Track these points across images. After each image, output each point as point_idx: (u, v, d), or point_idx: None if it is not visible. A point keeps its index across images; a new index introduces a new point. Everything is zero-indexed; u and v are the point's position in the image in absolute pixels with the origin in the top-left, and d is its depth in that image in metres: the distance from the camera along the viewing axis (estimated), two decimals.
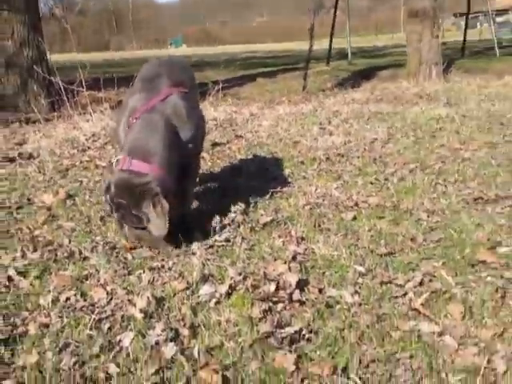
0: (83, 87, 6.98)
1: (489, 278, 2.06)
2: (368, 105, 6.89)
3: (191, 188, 2.76)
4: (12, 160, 4.29)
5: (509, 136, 4.48)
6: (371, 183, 3.35)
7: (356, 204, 2.91)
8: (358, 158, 4.04)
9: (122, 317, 1.87)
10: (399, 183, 3.33)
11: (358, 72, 12.56)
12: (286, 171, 3.70)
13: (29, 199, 3.24)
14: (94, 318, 1.85)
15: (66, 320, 1.86)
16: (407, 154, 4.09)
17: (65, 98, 8.44)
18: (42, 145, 4.81)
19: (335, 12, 15.58)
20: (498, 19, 64.67)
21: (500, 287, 1.99)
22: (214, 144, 4.69)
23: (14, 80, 10.02)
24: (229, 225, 2.64)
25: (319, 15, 13.98)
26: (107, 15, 71.35)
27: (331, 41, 15.18)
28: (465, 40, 16.08)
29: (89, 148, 4.72)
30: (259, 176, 3.60)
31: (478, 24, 51.27)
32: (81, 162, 4.20)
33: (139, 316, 1.86)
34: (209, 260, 2.28)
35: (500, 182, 3.28)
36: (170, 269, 2.24)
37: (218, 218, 2.62)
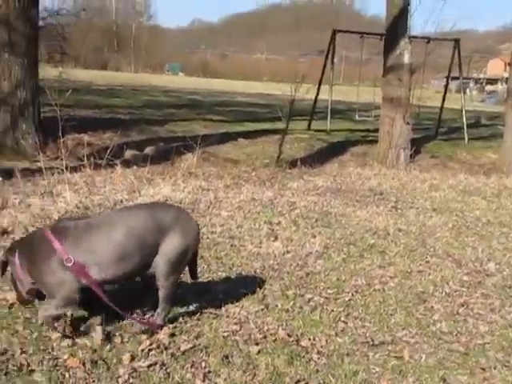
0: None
1: None
2: (324, 198, 7.58)
3: None
4: None
5: (424, 265, 5.17)
6: (287, 310, 3.98)
7: (265, 336, 3.54)
8: (288, 274, 4.69)
9: None
10: (310, 314, 3.96)
11: (333, 145, 13.32)
12: (222, 286, 4.31)
13: None
14: None
15: None
16: (331, 275, 4.73)
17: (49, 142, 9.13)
18: (18, 219, 5.40)
19: (326, 58, 16.06)
20: (488, 87, 66.54)
21: None
22: None
23: (5, 118, 10.69)
24: (157, 347, 3.27)
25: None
26: (109, 34, 72.57)
27: (317, 95, 15.66)
28: (440, 117, 16.95)
29: None
30: (194, 288, 4.20)
31: (468, 90, 53.03)
32: None
33: None
34: None
35: (393, 322, 3.94)
36: None
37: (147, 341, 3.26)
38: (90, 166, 7.77)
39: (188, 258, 3.49)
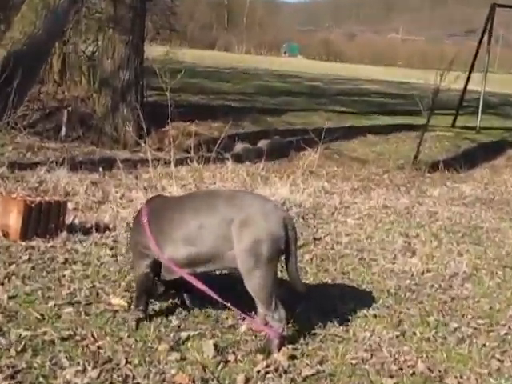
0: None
1: None
2: (473, 209, 7.42)
3: None
4: (88, 232, 5.20)
5: None
6: (428, 340, 3.95)
7: (401, 368, 3.53)
8: (428, 296, 4.65)
9: None
10: (456, 347, 3.90)
11: (484, 146, 12.96)
12: (349, 305, 4.35)
13: (97, 294, 4.09)
14: None
15: None
16: (482, 303, 4.63)
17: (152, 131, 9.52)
18: (120, 215, 5.73)
19: (480, 40, 15.38)
20: None
21: None
22: None
23: (105, 102, 11.26)
24: (275, 370, 3.36)
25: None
26: (219, 9, 74.30)
27: (466, 84, 15.12)
28: None
29: None
30: (318, 306, 4.26)
31: None
32: None
33: None
34: None
35: None
36: None
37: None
38: (197, 160, 8.07)
39: (274, 253, 3.55)
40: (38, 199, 4.88)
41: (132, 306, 3.86)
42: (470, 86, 15.66)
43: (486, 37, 15.41)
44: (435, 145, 12.70)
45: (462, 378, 3.53)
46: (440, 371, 3.58)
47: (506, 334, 4.17)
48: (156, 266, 3.75)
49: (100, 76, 11.19)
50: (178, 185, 6.83)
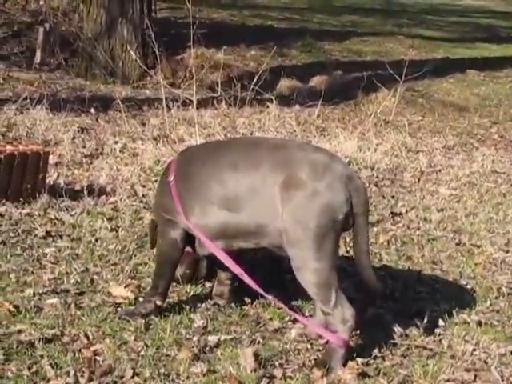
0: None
1: None
2: None
3: None
4: (77, 196, 5.21)
5: None
6: None
7: None
8: None
9: None
10: None
11: None
12: (442, 307, 4.35)
13: (92, 280, 4.14)
14: None
15: None
16: None
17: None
18: (121, 174, 5.73)
19: None
20: None
21: None
22: None
23: (98, 16, 11.27)
24: None
25: None
26: None
27: None
28: None
29: None
30: (398, 306, 4.28)
31: None
32: None
33: None
34: None
35: None
36: None
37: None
38: (227, 101, 8.06)
39: (333, 226, 3.53)
40: (9, 148, 4.90)
41: (146, 294, 3.93)
42: None
43: None
44: None
45: None
46: None
47: None
48: (188, 237, 3.82)
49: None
50: (201, 134, 6.81)
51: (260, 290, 3.63)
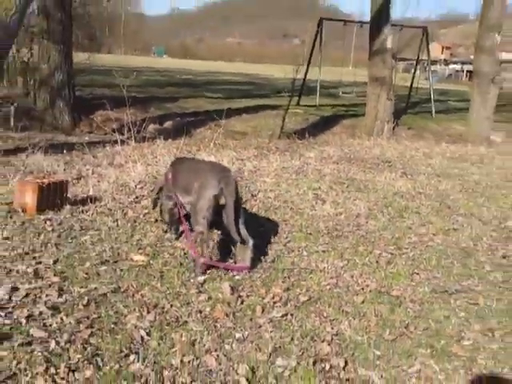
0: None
1: (461, 371, 2.74)
2: (342, 165, 7.57)
3: None
4: (85, 203, 4.68)
5: (456, 223, 5.23)
6: (366, 265, 3.99)
7: (362, 288, 3.55)
8: (349, 232, 4.69)
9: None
10: (387, 267, 3.98)
11: (325, 119, 13.23)
12: (303, 243, 4.30)
13: (118, 253, 3.73)
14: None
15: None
16: (385, 234, 4.75)
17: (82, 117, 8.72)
18: (99, 189, 5.20)
19: (314, 42, 15.69)
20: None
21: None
22: None
23: (45, 98, 10.34)
24: (280, 299, 3.26)
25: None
26: (99, 22, 69.88)
27: (306, 75, 15.32)
28: (409, 94, 16.91)
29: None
30: (281, 247, 4.18)
31: (415, 70, 53.29)
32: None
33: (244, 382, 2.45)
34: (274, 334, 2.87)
35: (455, 273, 4.00)
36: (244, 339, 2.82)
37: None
38: (130, 139, 7.55)
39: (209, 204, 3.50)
40: (45, 180, 4.36)
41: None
42: (310, 76, 15.85)
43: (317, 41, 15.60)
44: (291, 119, 12.72)
45: (399, 289, 3.61)
46: (385, 286, 3.64)
47: (413, 254, 4.31)
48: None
49: (39, 77, 10.35)
50: (140, 161, 6.30)
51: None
